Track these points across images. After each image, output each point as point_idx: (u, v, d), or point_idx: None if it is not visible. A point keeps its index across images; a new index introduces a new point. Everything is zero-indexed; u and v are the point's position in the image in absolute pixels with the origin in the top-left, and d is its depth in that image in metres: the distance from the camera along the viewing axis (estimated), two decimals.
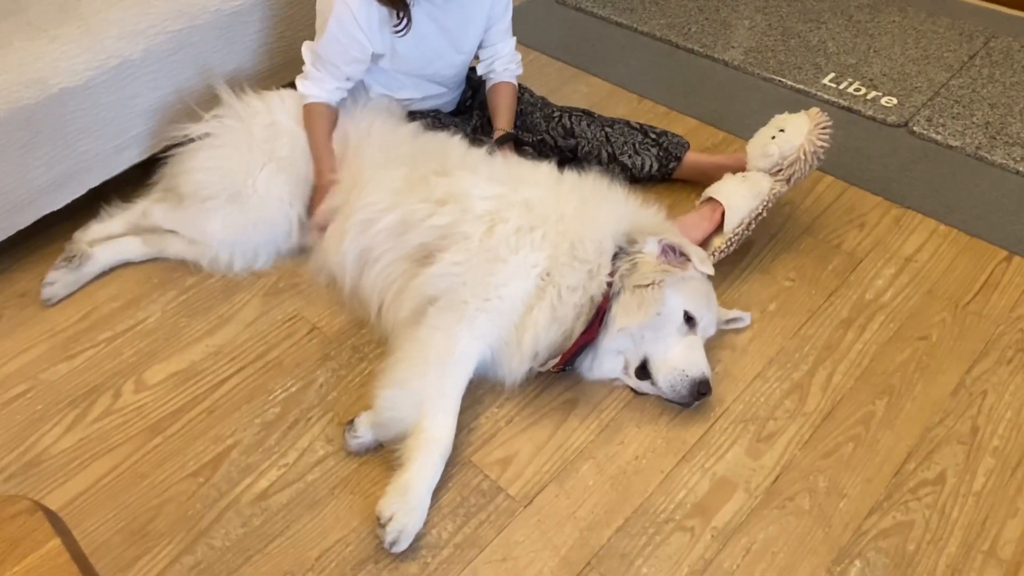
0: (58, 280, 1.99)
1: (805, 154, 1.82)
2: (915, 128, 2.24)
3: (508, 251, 1.64)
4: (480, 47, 2.12)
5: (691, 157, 2.09)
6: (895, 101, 2.33)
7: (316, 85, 1.96)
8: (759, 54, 2.57)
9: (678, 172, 2.11)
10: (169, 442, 1.67)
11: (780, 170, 1.85)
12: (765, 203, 1.84)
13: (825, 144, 1.83)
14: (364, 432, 1.59)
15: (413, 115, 2.10)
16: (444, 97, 2.21)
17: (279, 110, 2.04)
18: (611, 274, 1.63)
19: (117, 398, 1.77)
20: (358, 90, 2.08)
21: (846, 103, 2.34)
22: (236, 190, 1.95)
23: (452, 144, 1.93)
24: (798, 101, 2.39)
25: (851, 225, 2.01)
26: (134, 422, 1.72)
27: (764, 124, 1.98)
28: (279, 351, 1.84)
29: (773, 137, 1.86)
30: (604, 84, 2.57)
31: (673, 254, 1.67)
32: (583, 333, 1.61)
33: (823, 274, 1.90)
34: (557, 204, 1.71)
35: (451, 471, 1.55)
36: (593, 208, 1.72)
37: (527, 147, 2.13)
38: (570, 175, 1.83)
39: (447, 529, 1.48)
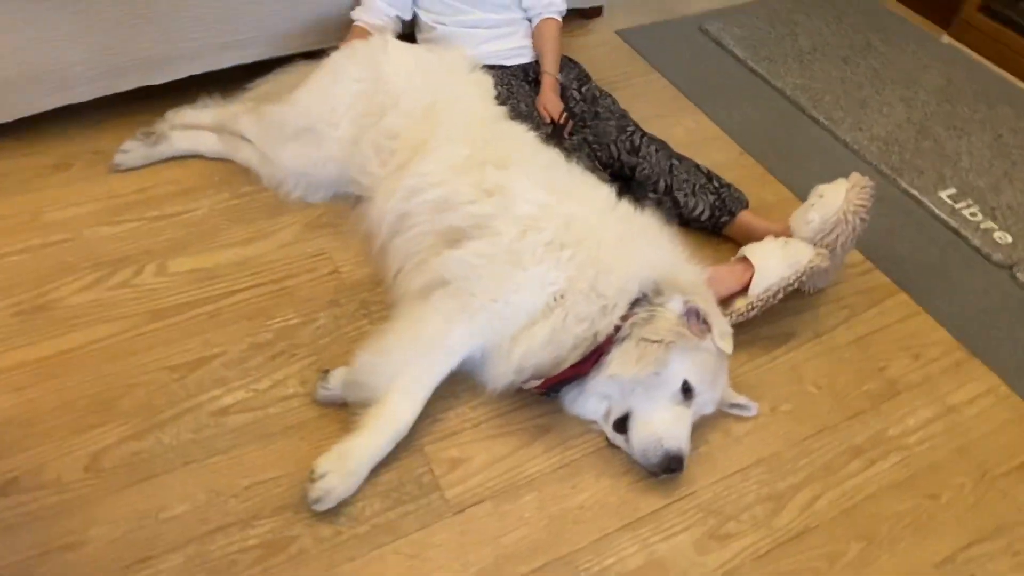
0: (132, 151, 2.09)
1: (845, 215, 1.77)
2: (1019, 275, 2.04)
3: (531, 260, 1.60)
4: None
5: (744, 217, 2.00)
6: (1009, 239, 2.13)
7: (364, 11, 2.18)
8: (884, 145, 2.39)
9: (728, 228, 2.02)
10: (165, 331, 1.73)
11: (824, 237, 1.79)
12: (799, 275, 1.74)
13: (865, 204, 1.79)
14: (335, 386, 1.60)
15: (493, 69, 2.15)
16: (500, 33, 2.23)
17: (383, 61, 2.04)
18: (624, 317, 1.56)
19: (138, 274, 1.85)
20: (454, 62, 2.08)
21: (955, 224, 2.15)
22: (318, 126, 1.98)
23: (524, 140, 1.90)
24: (905, 206, 2.22)
25: (906, 352, 1.85)
26: (143, 301, 1.79)
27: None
28: (296, 281, 1.87)
29: (813, 204, 1.81)
30: (711, 126, 2.46)
31: (696, 319, 1.59)
32: (574, 365, 1.55)
33: (854, 393, 1.76)
34: (599, 229, 1.66)
35: (400, 453, 1.54)
36: (632, 245, 1.66)
37: (585, 144, 2.11)
38: (626, 206, 1.77)
39: (373, 507, 1.47)
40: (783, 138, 2.43)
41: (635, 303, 1.59)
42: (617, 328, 1.56)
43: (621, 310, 1.57)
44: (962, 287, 2.01)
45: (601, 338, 1.55)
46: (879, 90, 2.62)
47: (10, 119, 2.07)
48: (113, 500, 1.45)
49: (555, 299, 1.58)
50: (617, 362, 1.53)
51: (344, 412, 1.59)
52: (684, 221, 2.06)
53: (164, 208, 2.01)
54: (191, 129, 2.14)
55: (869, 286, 2.00)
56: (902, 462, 1.64)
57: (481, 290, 1.59)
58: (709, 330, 1.58)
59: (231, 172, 2.12)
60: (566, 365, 1.56)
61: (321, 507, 1.43)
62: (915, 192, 2.24)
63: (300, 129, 1.99)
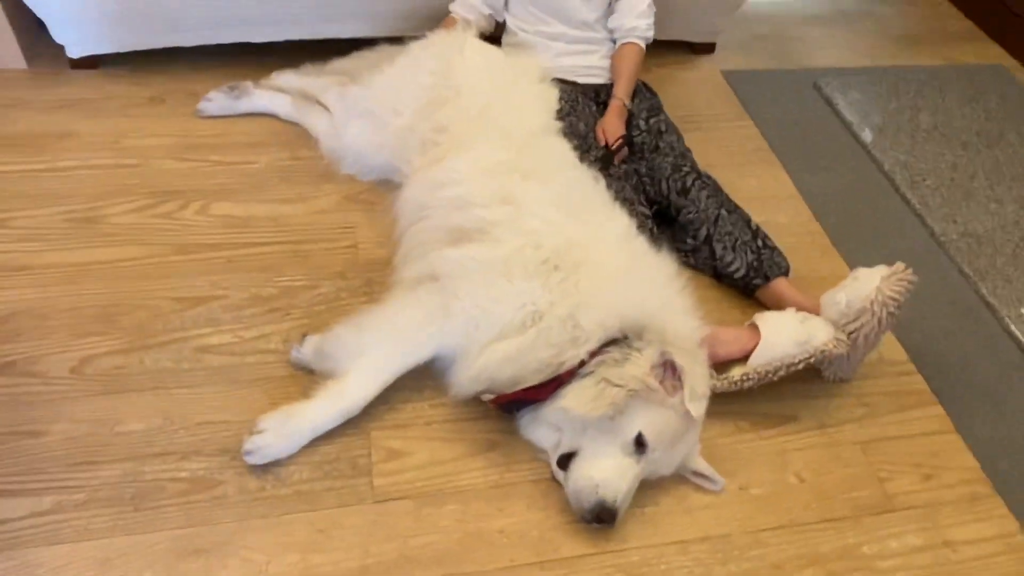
0: (216, 100, 2.25)
1: (872, 304, 1.62)
2: None
3: (520, 274, 1.57)
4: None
5: (779, 284, 1.86)
6: None
7: (459, 5, 2.25)
8: (976, 244, 2.16)
9: (760, 292, 1.89)
10: (183, 264, 1.86)
11: (848, 323, 1.65)
12: (807, 357, 1.62)
13: (897, 297, 1.63)
14: (306, 351, 1.65)
15: (565, 84, 2.15)
16: (578, 49, 2.22)
17: (456, 57, 2.06)
18: (594, 353, 1.51)
19: (182, 209, 1.99)
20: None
21: None
22: (383, 111, 2.03)
23: (561, 157, 1.88)
24: (977, 314, 1.99)
25: (917, 469, 1.66)
26: (176, 234, 1.93)
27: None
28: (315, 247, 1.94)
29: (845, 285, 1.69)
30: (788, 185, 2.32)
31: (670, 374, 1.50)
32: (530, 388, 1.51)
33: (840, 496, 1.60)
34: (600, 259, 1.60)
35: (347, 430, 1.56)
36: (629, 283, 1.60)
37: (635, 175, 2.05)
38: (642, 242, 1.71)
39: (302, 473, 1.51)
40: (862, 213, 2.24)
41: (613, 342, 1.53)
42: (583, 362, 1.50)
43: (592, 345, 1.51)
44: (1012, 416, 1.78)
45: (564, 369, 1.51)
46: (993, 184, 2.36)
47: (123, 50, 2.30)
48: (83, 403, 1.57)
49: (532, 319, 1.55)
50: (571, 396, 1.48)
51: (310, 379, 1.63)
52: (718, 275, 1.97)
53: (227, 155, 2.15)
54: (273, 91, 2.28)
55: (901, 389, 1.81)
56: None
57: (465, 293, 1.58)
58: (680, 388, 1.49)
59: (298, 135, 2.23)
60: (522, 386, 1.52)
61: (251, 460, 1.48)
62: (994, 301, 2.00)
63: (366, 110, 2.06)
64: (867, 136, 2.48)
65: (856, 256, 2.10)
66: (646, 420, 1.47)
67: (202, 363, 1.66)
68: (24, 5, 2.14)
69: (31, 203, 1.95)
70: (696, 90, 2.64)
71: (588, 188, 1.80)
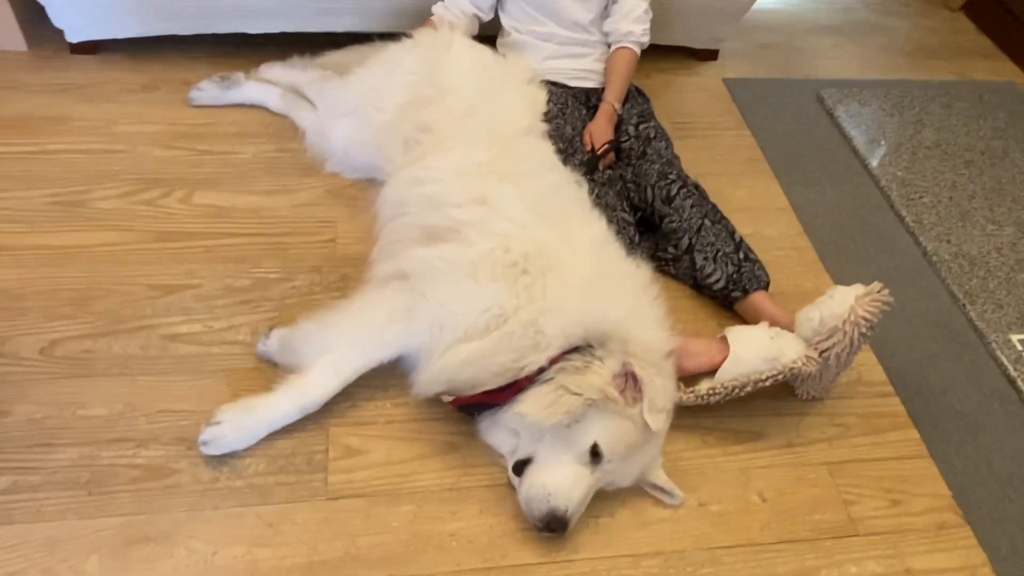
0: (206, 90, 2.26)
1: (844, 324, 1.57)
2: None
3: (486, 277, 1.56)
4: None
5: (757, 297, 1.82)
6: None
7: (443, 7, 2.18)
8: (969, 266, 2.10)
9: (739, 305, 1.86)
10: (161, 253, 1.87)
11: (820, 341, 1.61)
12: (776, 373, 1.59)
13: (871, 318, 1.57)
14: (272, 344, 1.65)
15: (555, 86, 2.14)
16: (570, 52, 2.19)
17: (443, 57, 2.04)
18: (554, 360, 1.49)
19: (164, 197, 2.00)
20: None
21: (1015, 374, 1.85)
22: (366, 110, 2.02)
23: (541, 160, 1.86)
24: (963, 338, 1.94)
25: (886, 494, 1.63)
26: (157, 221, 1.94)
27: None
28: (293, 239, 1.94)
29: (821, 302, 1.64)
30: (780, 197, 2.28)
31: (631, 385, 1.48)
32: (489, 392, 1.50)
33: (802, 518, 1.57)
34: (568, 265, 1.58)
35: (307, 425, 1.56)
36: (597, 291, 1.57)
37: (620, 180, 2.04)
38: (614, 249, 1.69)
39: (257, 467, 1.51)
40: (854, 228, 2.20)
41: (575, 350, 1.51)
42: (543, 369, 1.49)
43: (553, 351, 1.49)
44: (989, 445, 1.73)
45: (524, 373, 1.49)
46: (993, 206, 2.30)
47: (121, 37, 2.31)
48: (48, 385, 1.58)
49: (496, 322, 1.53)
50: (528, 402, 1.46)
51: (275, 372, 1.63)
52: (697, 286, 1.94)
53: (214, 145, 2.16)
54: (263, 83, 2.28)
55: (877, 411, 1.77)
56: None
57: (431, 293, 1.57)
58: (640, 399, 1.47)
59: (285, 128, 2.23)
60: (481, 390, 1.51)
61: (207, 450, 1.48)
62: (982, 326, 1.95)
63: (350, 110, 2.05)
64: (866, 150, 2.44)
65: (843, 272, 2.06)
66: (603, 430, 1.45)
67: (169, 351, 1.67)
68: None
69: (19, 185, 1.97)
70: (695, 97, 2.60)
71: (566, 192, 1.78)
